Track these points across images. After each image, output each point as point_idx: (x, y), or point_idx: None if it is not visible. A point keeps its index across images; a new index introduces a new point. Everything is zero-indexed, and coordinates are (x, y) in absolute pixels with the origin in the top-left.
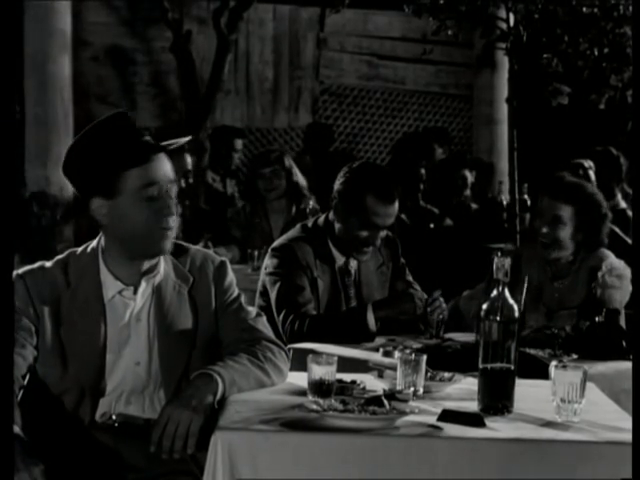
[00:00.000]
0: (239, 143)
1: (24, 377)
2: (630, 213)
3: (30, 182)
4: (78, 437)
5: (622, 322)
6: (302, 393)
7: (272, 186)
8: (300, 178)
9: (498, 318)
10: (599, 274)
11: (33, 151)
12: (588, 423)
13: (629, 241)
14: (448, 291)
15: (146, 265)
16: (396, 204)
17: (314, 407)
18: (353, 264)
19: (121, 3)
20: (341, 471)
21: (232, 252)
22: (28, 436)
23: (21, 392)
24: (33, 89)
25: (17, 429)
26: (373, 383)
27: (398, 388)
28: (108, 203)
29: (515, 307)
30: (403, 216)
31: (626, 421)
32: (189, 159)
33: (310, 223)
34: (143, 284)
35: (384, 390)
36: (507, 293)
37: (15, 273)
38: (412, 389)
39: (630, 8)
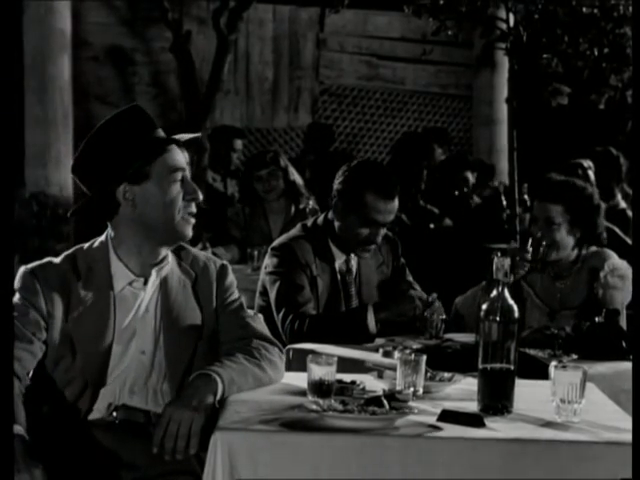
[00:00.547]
0: (239, 143)
1: (29, 374)
2: (630, 213)
3: (30, 182)
4: (79, 436)
5: (623, 322)
6: (302, 393)
7: (270, 187)
8: (297, 177)
9: (498, 318)
10: (601, 274)
11: (33, 151)
12: (588, 423)
13: (629, 241)
14: (448, 291)
15: (161, 254)
16: (396, 201)
17: (314, 407)
18: (353, 263)
19: (121, 3)
20: (341, 471)
21: (232, 252)
22: (31, 436)
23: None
24: (33, 89)
25: (21, 429)
26: (373, 383)
27: (398, 388)
28: (135, 188)
29: (515, 307)
30: (403, 216)
31: (626, 421)
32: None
33: (310, 222)
34: (153, 274)
35: (384, 390)
36: (507, 293)
37: (24, 268)
38: (412, 389)
39: (630, 8)
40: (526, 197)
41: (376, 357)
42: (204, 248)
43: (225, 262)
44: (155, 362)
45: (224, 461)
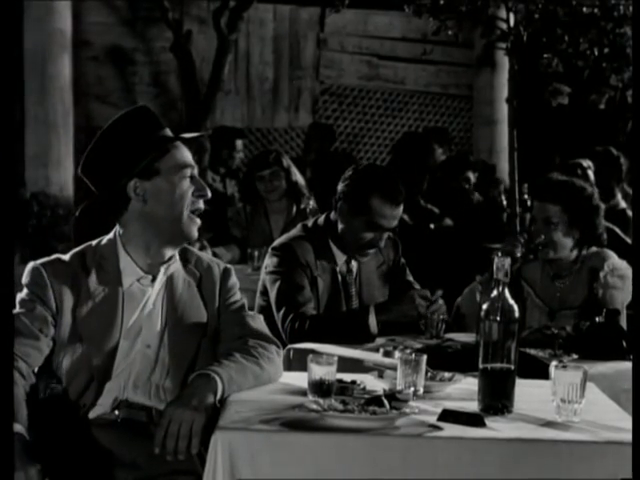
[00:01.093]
0: (239, 143)
1: (34, 371)
2: (630, 213)
3: (30, 182)
4: (82, 434)
5: (623, 322)
6: (302, 393)
7: (272, 187)
8: (299, 177)
9: (498, 318)
10: (601, 274)
11: (33, 151)
12: (588, 423)
13: (629, 241)
14: (448, 291)
15: (168, 253)
16: (401, 207)
17: (314, 407)
18: (354, 263)
19: (121, 3)
20: (341, 471)
21: (232, 252)
22: (31, 435)
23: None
24: (33, 89)
25: (21, 428)
26: (373, 383)
27: (398, 388)
28: (146, 184)
29: (515, 307)
30: (405, 216)
31: (626, 421)
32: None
33: (310, 223)
34: (161, 272)
35: (384, 390)
36: (507, 293)
37: (33, 263)
38: (412, 389)
39: (630, 8)
40: (526, 197)
41: (376, 357)
42: (203, 248)
43: (228, 265)
44: (159, 358)
45: (224, 461)
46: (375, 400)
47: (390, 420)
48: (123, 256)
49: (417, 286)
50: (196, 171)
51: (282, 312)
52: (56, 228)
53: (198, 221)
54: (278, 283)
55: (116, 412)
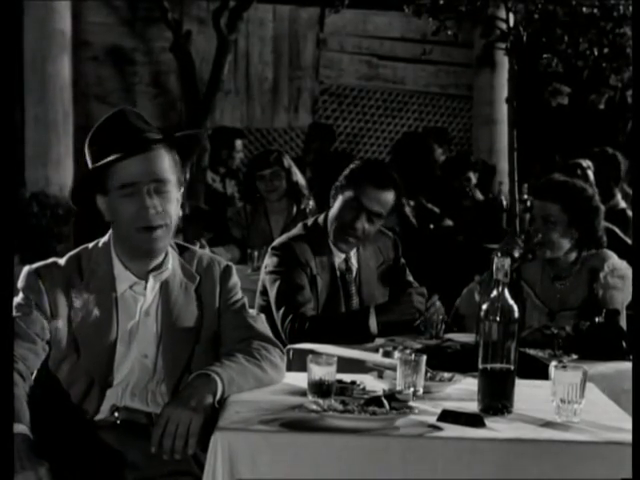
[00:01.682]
0: (239, 143)
1: (33, 374)
2: (630, 213)
3: (30, 182)
4: (83, 435)
5: (623, 323)
6: (302, 393)
7: (272, 187)
8: (300, 178)
9: (498, 318)
10: (601, 275)
11: (33, 151)
12: (588, 423)
13: (629, 241)
14: (448, 291)
15: (153, 263)
16: (389, 194)
17: (314, 407)
18: (354, 261)
19: (121, 3)
20: (341, 471)
21: (232, 252)
22: (35, 435)
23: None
24: (33, 89)
25: (25, 428)
26: (373, 383)
27: (398, 388)
28: (105, 199)
29: (515, 307)
30: (411, 217)
31: (626, 421)
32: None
33: (310, 221)
34: (151, 280)
35: (384, 390)
36: (507, 293)
37: (28, 267)
38: (412, 389)
39: (630, 8)
40: (526, 197)
41: (376, 357)
42: (201, 247)
43: (229, 263)
44: (157, 365)
45: (224, 461)
46: (375, 400)
47: (390, 420)
48: (116, 262)
49: (416, 285)
50: (149, 185)
51: (282, 312)
52: (56, 228)
53: (156, 235)
54: (278, 283)
55: (115, 414)
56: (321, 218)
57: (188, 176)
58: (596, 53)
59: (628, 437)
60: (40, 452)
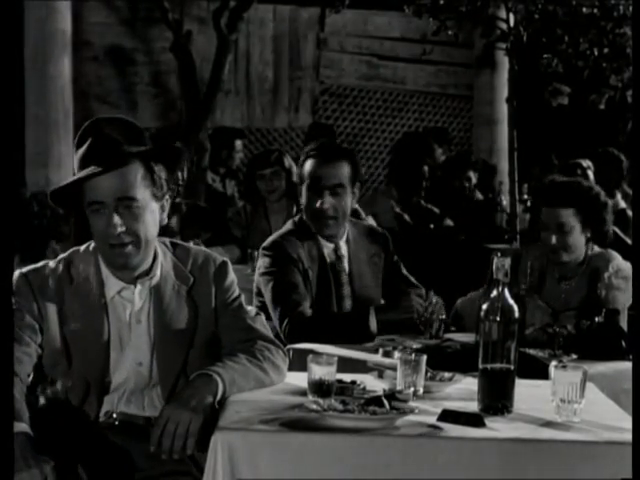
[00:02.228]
0: (239, 143)
1: (29, 375)
2: (630, 213)
3: (30, 182)
4: (84, 434)
5: (624, 323)
6: (302, 393)
7: (272, 187)
8: None
9: (498, 318)
10: (605, 275)
11: (33, 151)
12: (588, 423)
13: (629, 241)
14: (448, 291)
15: (138, 270)
16: (340, 165)
17: (314, 407)
18: (343, 252)
19: (121, 3)
20: (341, 471)
21: (231, 252)
22: (36, 434)
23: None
24: (33, 89)
25: (26, 426)
26: (373, 383)
27: (398, 388)
28: (86, 212)
29: (515, 307)
30: (405, 216)
31: (626, 421)
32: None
33: (298, 217)
34: (139, 286)
35: (384, 390)
36: (507, 293)
37: (18, 272)
38: (412, 389)
39: (630, 8)
40: (526, 197)
41: (376, 357)
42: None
43: (225, 259)
44: (152, 372)
45: (224, 461)
46: (375, 400)
47: (390, 420)
48: (104, 267)
49: (412, 279)
50: (114, 202)
51: (278, 313)
52: (56, 228)
53: (125, 250)
54: (271, 284)
55: (114, 415)
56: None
57: (186, 175)
58: (596, 53)
59: (628, 437)
60: (43, 450)
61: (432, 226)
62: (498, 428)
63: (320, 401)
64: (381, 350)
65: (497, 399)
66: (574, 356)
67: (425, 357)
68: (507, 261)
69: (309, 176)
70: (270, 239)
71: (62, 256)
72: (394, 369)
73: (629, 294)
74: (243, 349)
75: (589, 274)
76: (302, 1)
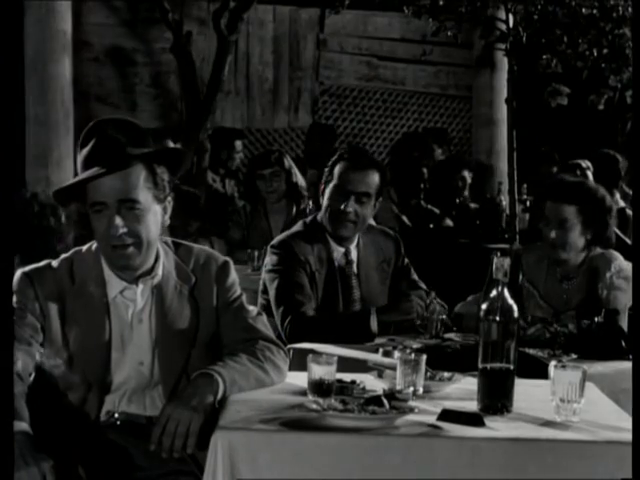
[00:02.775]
0: (239, 144)
1: (30, 374)
2: (629, 212)
3: (31, 182)
4: (85, 434)
5: (624, 323)
6: (302, 393)
7: (272, 187)
8: (300, 179)
9: (498, 318)
10: (607, 275)
11: (33, 151)
12: (588, 423)
13: (628, 241)
14: (448, 291)
15: (140, 270)
16: (371, 174)
17: (314, 407)
18: (353, 256)
19: (122, 4)
20: (341, 471)
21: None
22: (36, 432)
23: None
24: (33, 89)
25: (26, 425)
26: (373, 383)
27: (398, 388)
28: (88, 212)
29: (515, 307)
30: (404, 217)
31: (626, 421)
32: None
33: (309, 219)
34: (141, 286)
35: (384, 390)
36: (507, 293)
37: (21, 271)
38: (412, 389)
39: (629, 9)
40: (525, 197)
41: (376, 357)
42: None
43: (227, 259)
44: (154, 372)
45: (224, 461)
46: (375, 400)
47: (390, 420)
48: (106, 267)
49: (422, 285)
50: (116, 204)
51: (281, 311)
52: (56, 228)
53: (126, 251)
54: (277, 281)
55: (115, 415)
56: (320, 215)
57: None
58: (595, 54)
59: (628, 436)
60: (42, 449)
61: (432, 226)
62: (498, 428)
63: (320, 401)
64: (381, 350)
65: (497, 399)
66: (574, 356)
67: (425, 357)
68: (507, 261)
69: (339, 177)
70: (279, 238)
71: (64, 256)
72: (394, 369)
73: (630, 294)
74: (244, 349)
75: (590, 274)
76: (302, 2)
